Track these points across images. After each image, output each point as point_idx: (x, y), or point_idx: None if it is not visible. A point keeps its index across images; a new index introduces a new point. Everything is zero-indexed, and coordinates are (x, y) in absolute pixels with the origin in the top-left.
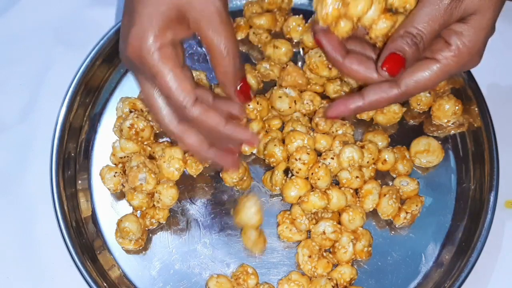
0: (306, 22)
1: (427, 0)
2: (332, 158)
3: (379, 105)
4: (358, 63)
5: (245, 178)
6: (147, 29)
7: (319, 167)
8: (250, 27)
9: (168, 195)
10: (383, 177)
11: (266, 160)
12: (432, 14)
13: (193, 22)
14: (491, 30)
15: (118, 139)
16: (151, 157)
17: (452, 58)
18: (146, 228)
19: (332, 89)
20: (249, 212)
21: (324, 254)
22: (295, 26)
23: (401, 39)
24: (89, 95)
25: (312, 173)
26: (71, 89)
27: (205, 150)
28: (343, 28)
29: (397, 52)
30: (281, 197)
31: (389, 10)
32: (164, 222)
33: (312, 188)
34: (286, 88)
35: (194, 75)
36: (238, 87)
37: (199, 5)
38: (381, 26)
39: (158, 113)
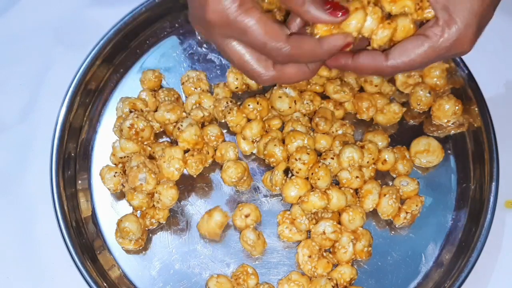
0: None
1: None
2: (332, 158)
3: (363, 71)
4: (366, 56)
5: (245, 178)
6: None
7: (319, 167)
8: None
9: (168, 196)
10: (383, 177)
11: (266, 160)
12: None
13: None
14: (486, 14)
15: (118, 139)
16: (151, 157)
17: (440, 34)
18: (146, 228)
19: (332, 89)
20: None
21: (324, 254)
22: None
23: None
24: (89, 95)
25: (312, 173)
26: (71, 89)
27: (309, 72)
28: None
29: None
30: (281, 197)
31: (386, 18)
32: (164, 222)
33: (312, 188)
34: (286, 88)
35: (194, 75)
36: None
37: None
38: (381, 36)
39: (251, 71)
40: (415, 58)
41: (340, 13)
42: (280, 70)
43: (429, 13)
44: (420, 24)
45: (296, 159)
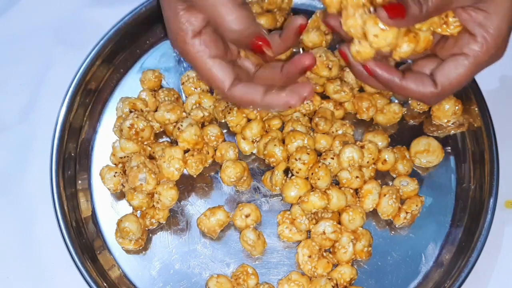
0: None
1: None
2: (332, 158)
3: (409, 94)
4: (415, 80)
5: (245, 178)
6: (175, 26)
7: (319, 167)
8: None
9: (168, 196)
10: (383, 177)
11: (266, 160)
12: None
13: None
14: None
15: (118, 139)
16: (151, 157)
17: (480, 50)
18: (146, 228)
19: (332, 89)
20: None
21: (324, 254)
22: None
23: None
24: (89, 95)
25: (312, 173)
26: (71, 89)
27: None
28: (368, 53)
29: (400, 2)
30: (281, 197)
31: (410, 31)
32: (164, 222)
33: (312, 188)
34: None
35: (194, 75)
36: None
37: None
38: (405, 49)
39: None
40: (461, 79)
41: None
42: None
43: (455, 28)
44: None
45: (296, 159)
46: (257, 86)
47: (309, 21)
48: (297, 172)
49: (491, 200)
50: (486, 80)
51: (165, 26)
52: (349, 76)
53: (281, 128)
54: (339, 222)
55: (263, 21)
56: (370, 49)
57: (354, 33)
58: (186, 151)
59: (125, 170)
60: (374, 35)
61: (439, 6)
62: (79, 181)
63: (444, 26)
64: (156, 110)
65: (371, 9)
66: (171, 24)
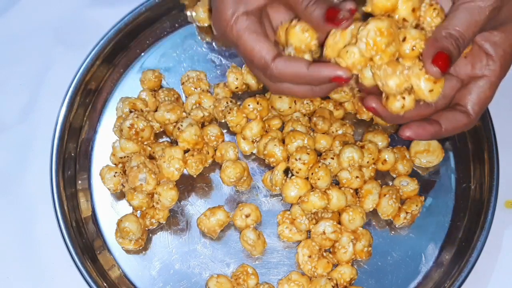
0: None
1: (467, 5)
2: (332, 158)
3: (454, 132)
4: (450, 123)
5: (244, 178)
6: (225, 4)
7: (319, 167)
8: None
9: (167, 197)
10: (383, 177)
11: (266, 160)
12: (473, 20)
13: None
14: None
15: (118, 139)
16: (151, 157)
17: (499, 69)
18: (146, 228)
19: None
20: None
21: (324, 254)
22: None
23: (445, 40)
24: (89, 95)
25: (312, 173)
26: (71, 89)
27: (311, 92)
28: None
29: (444, 51)
30: (281, 197)
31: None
32: (164, 222)
33: (312, 188)
34: None
35: (194, 75)
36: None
37: None
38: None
39: (258, 78)
40: (488, 101)
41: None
42: (282, 84)
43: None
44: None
45: (296, 159)
46: (301, 59)
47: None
48: (297, 172)
49: (491, 200)
50: None
51: (211, 4)
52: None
53: (281, 128)
54: (339, 222)
55: None
56: (413, 101)
57: (397, 91)
58: (186, 151)
59: (125, 170)
60: (429, 90)
61: (468, 44)
62: (79, 181)
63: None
64: (156, 110)
65: (407, 65)
66: (220, 3)
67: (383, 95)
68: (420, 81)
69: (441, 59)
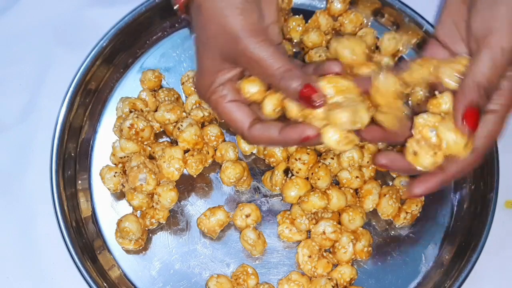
0: (306, 22)
1: (490, 49)
2: (332, 158)
3: (462, 173)
4: (457, 167)
5: (244, 178)
6: (202, 74)
7: (319, 167)
8: None
9: (167, 198)
10: (383, 177)
11: (266, 160)
12: (498, 62)
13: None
14: None
15: (118, 139)
16: (151, 157)
17: (507, 103)
18: (146, 228)
19: None
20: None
21: (324, 254)
22: (295, 26)
23: (473, 91)
24: (89, 95)
25: (312, 173)
26: (71, 89)
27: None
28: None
29: (473, 106)
30: (281, 197)
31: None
32: (164, 222)
33: (312, 188)
34: None
35: (194, 75)
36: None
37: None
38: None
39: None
40: (496, 135)
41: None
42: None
43: None
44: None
45: (296, 159)
46: (275, 123)
47: (309, 21)
48: (297, 172)
49: (491, 200)
50: None
51: (196, 65)
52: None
53: None
54: (339, 222)
55: None
56: (443, 156)
57: (426, 149)
58: (186, 151)
59: (125, 170)
60: (464, 145)
61: (498, 81)
62: (79, 181)
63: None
64: (156, 110)
65: (432, 133)
66: (204, 72)
67: (409, 150)
68: (454, 137)
69: (471, 116)
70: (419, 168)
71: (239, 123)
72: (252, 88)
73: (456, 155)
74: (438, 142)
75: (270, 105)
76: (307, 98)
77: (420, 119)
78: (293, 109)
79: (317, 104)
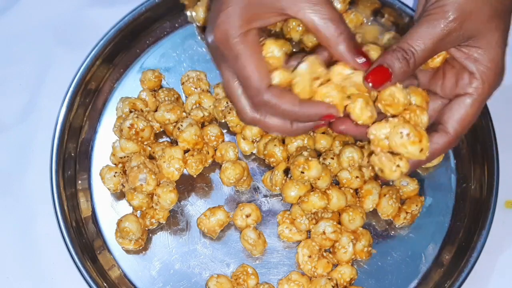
0: None
1: (424, 20)
2: (332, 158)
3: (435, 156)
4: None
5: (244, 178)
6: (234, 14)
7: None
8: None
9: (167, 199)
10: None
11: (266, 160)
12: (427, 32)
13: (285, 8)
14: (505, 45)
15: (118, 139)
16: (151, 157)
17: (481, 86)
18: (146, 228)
19: None
20: None
21: (324, 254)
22: (295, 26)
23: (391, 53)
24: (89, 95)
25: None
26: (71, 89)
27: (290, 130)
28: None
29: (384, 65)
30: (281, 197)
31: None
32: (164, 222)
33: (312, 188)
34: None
35: (194, 75)
36: (359, 61)
37: None
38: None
39: (236, 102)
40: (470, 119)
41: (365, 60)
42: (262, 116)
43: (436, 60)
44: None
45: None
46: (293, 94)
47: None
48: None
49: (491, 200)
50: None
51: (210, 16)
52: None
53: None
54: (339, 222)
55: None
56: (407, 162)
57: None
58: (186, 151)
59: (125, 170)
60: (420, 151)
61: (425, 57)
62: (79, 181)
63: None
64: (156, 110)
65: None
66: (222, 15)
67: (376, 168)
68: (407, 149)
69: (378, 72)
70: (393, 179)
71: (258, 79)
72: (276, 51)
73: (420, 159)
74: (396, 152)
75: (277, 78)
76: (378, 82)
77: (371, 136)
78: (305, 86)
79: (386, 84)
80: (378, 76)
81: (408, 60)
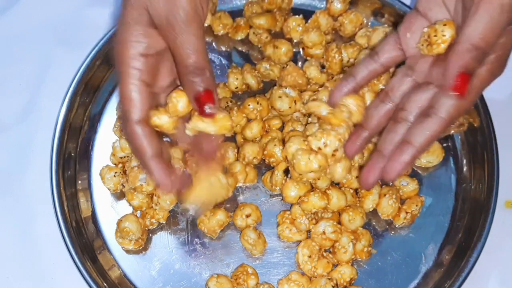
0: (306, 22)
1: (488, 5)
2: None
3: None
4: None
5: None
6: (122, 36)
7: None
8: (250, 27)
9: (166, 200)
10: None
11: (266, 160)
12: (495, 20)
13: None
14: None
15: (118, 139)
16: None
17: (486, 71)
18: (146, 228)
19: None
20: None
21: (324, 254)
22: (295, 26)
23: (468, 54)
24: (89, 95)
25: None
26: (71, 89)
27: (146, 157)
28: None
29: (466, 71)
30: (281, 197)
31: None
32: (164, 222)
33: (312, 188)
34: (286, 88)
35: None
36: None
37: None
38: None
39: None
40: (466, 105)
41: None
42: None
43: (441, 45)
44: None
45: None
46: (156, 142)
47: (309, 21)
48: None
49: (491, 200)
50: None
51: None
52: None
53: (281, 128)
54: (339, 222)
55: (263, 21)
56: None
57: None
58: (186, 151)
59: (125, 170)
60: (342, 169)
61: (494, 42)
62: (79, 181)
63: (429, 47)
64: None
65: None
66: (123, 33)
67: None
68: (336, 172)
69: (462, 80)
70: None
71: (132, 107)
72: (162, 119)
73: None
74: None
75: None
76: (201, 102)
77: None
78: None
79: (206, 112)
80: (462, 84)
81: (483, 57)
